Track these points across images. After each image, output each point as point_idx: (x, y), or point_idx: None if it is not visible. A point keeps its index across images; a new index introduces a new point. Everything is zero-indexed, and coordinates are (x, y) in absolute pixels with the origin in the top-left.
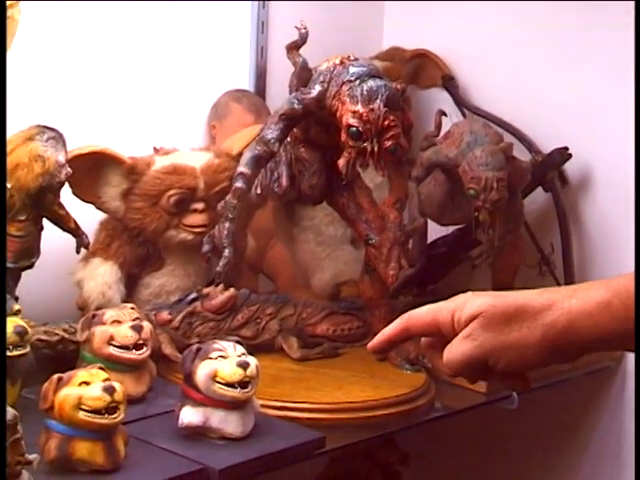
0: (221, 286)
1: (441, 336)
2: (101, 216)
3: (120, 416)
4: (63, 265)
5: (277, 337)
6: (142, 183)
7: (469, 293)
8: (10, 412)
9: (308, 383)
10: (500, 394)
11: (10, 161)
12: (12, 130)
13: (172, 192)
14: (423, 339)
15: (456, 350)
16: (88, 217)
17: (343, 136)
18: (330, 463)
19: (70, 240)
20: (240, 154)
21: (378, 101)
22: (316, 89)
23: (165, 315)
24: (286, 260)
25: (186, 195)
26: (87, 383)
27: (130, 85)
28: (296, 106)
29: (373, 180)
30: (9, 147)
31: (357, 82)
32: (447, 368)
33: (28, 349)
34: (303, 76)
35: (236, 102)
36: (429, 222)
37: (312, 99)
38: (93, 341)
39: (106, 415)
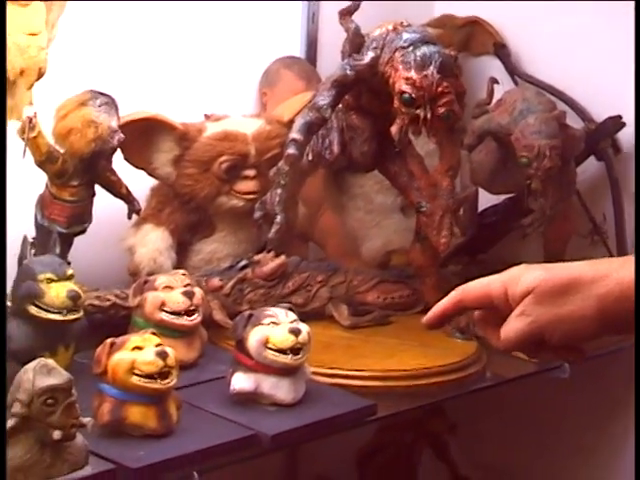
0: (272, 253)
1: (494, 309)
2: (152, 182)
3: (172, 381)
4: (114, 231)
5: (327, 305)
6: (194, 149)
7: (522, 266)
8: (65, 375)
9: (358, 351)
10: (552, 363)
11: (63, 126)
12: (66, 95)
13: (223, 158)
14: (476, 312)
15: (512, 327)
16: (139, 183)
17: (396, 103)
18: (377, 431)
19: (121, 206)
20: (291, 121)
21: (431, 67)
22: (369, 55)
23: (216, 282)
24: (336, 228)
25: (237, 161)
26: (140, 348)
27: (182, 51)
28: (348, 72)
29: (423, 148)
30: (62, 112)
31: (410, 48)
32: (503, 345)
33: (81, 313)
34: (355, 42)
35: (287, 69)
36: (480, 190)
37: (365, 65)
38: (145, 307)
39: (159, 380)
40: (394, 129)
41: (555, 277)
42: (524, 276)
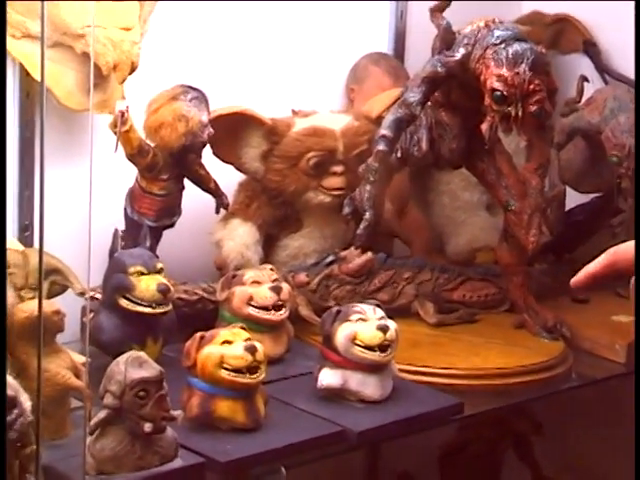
0: (358, 249)
1: None
2: (240, 177)
3: (261, 376)
4: (202, 225)
5: (413, 302)
6: (282, 145)
7: None
8: (156, 368)
9: (444, 348)
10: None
11: (154, 120)
12: (157, 89)
13: (312, 154)
14: (633, 282)
15: None
16: (228, 178)
17: (487, 100)
18: (460, 429)
19: (210, 200)
20: (379, 117)
21: (523, 65)
22: (460, 52)
23: (302, 277)
24: (422, 225)
25: (325, 157)
26: (229, 342)
27: (271, 47)
28: (439, 69)
29: (510, 146)
30: (154, 106)
31: (502, 45)
32: None
33: (170, 307)
34: (446, 39)
35: (375, 65)
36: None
37: (456, 62)
38: (232, 301)
39: (247, 374)
40: (484, 126)
41: None
42: None
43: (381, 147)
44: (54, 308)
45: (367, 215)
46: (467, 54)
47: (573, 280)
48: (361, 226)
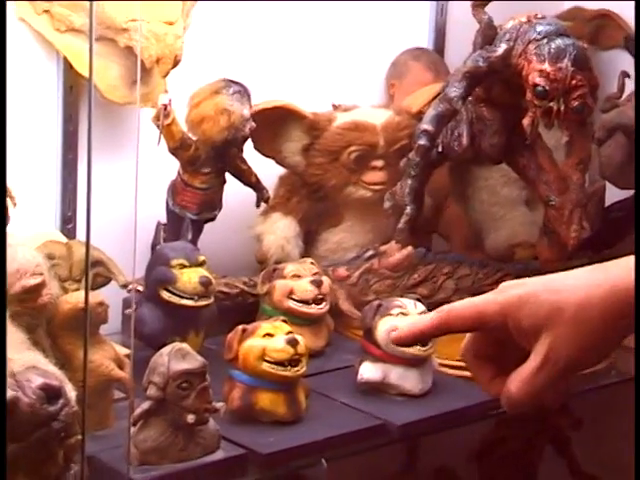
0: (398, 244)
1: (488, 335)
2: (281, 171)
3: (302, 369)
4: (243, 219)
5: (453, 296)
6: (323, 139)
7: (520, 287)
8: (199, 360)
9: None
10: None
11: (197, 113)
12: (200, 83)
13: (353, 148)
14: (464, 347)
15: (529, 378)
16: (268, 172)
17: (528, 95)
18: (499, 424)
19: (250, 194)
20: (420, 112)
21: (566, 60)
22: (502, 47)
23: (342, 271)
24: (461, 220)
25: (366, 152)
26: (271, 335)
27: (312, 41)
28: (481, 64)
29: (550, 142)
30: (196, 100)
31: (544, 40)
32: (517, 396)
33: (212, 300)
34: (488, 34)
35: (415, 60)
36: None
37: (497, 57)
38: (273, 294)
39: (289, 367)
40: (526, 121)
41: (568, 300)
42: (528, 306)
43: (422, 142)
44: (98, 299)
45: (408, 209)
46: (509, 49)
47: (395, 334)
48: (402, 220)
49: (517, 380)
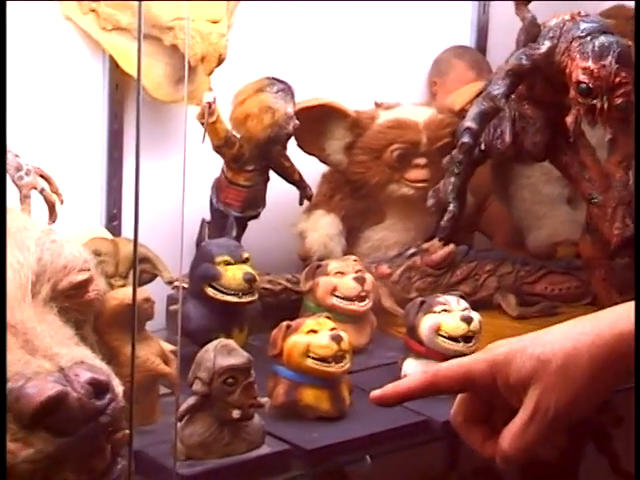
0: (440, 241)
1: (478, 400)
2: (323, 168)
3: (346, 365)
4: (286, 216)
5: (495, 294)
6: (366, 137)
7: (506, 346)
8: (245, 356)
9: None
10: None
11: (241, 111)
12: (244, 81)
13: (395, 146)
14: (453, 412)
15: (519, 432)
16: (311, 169)
17: (572, 93)
18: None
19: (293, 192)
20: (462, 110)
21: (610, 57)
22: (545, 45)
23: (385, 269)
24: (503, 218)
25: (409, 150)
26: (315, 331)
27: (355, 40)
28: (524, 62)
29: (591, 139)
30: (240, 98)
31: (588, 38)
32: (510, 453)
33: (256, 296)
34: (531, 32)
35: (458, 58)
36: None
37: (541, 55)
38: (317, 291)
39: (333, 363)
40: (569, 119)
41: (555, 352)
42: (516, 361)
43: (466, 139)
44: (145, 295)
45: (451, 207)
46: (552, 47)
47: (379, 393)
48: (445, 218)
49: (508, 436)
